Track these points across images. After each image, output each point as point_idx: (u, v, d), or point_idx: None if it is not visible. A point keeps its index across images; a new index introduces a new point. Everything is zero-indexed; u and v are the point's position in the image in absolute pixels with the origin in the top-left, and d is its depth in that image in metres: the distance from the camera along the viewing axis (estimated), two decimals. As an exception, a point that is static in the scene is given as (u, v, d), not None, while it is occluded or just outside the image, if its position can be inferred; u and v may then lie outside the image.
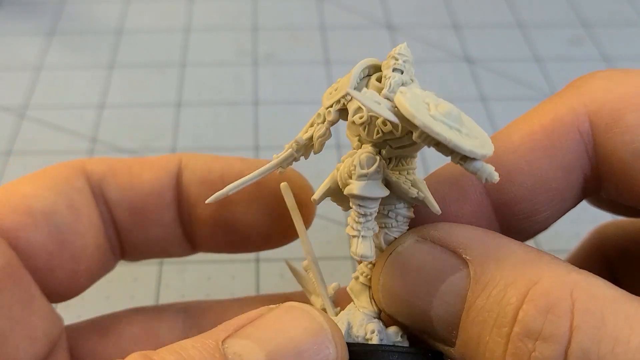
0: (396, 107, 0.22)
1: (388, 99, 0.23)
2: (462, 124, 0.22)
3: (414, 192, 0.25)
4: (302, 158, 0.27)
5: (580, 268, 0.33)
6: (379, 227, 0.26)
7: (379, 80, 0.25)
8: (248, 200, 0.29)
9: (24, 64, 0.61)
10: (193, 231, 0.30)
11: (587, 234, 0.36)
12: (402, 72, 0.24)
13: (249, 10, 0.67)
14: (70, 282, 0.28)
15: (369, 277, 0.26)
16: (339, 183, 0.25)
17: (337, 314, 0.27)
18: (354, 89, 0.24)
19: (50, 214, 0.27)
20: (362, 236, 0.25)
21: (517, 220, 0.26)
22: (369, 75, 0.25)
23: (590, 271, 0.33)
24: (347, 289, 0.27)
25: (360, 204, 0.24)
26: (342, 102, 0.25)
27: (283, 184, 0.27)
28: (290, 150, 0.26)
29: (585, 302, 0.20)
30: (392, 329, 0.26)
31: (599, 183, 0.26)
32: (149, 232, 0.30)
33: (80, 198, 0.28)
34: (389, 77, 0.24)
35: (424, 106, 0.22)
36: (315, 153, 0.26)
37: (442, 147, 0.22)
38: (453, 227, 0.24)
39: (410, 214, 0.25)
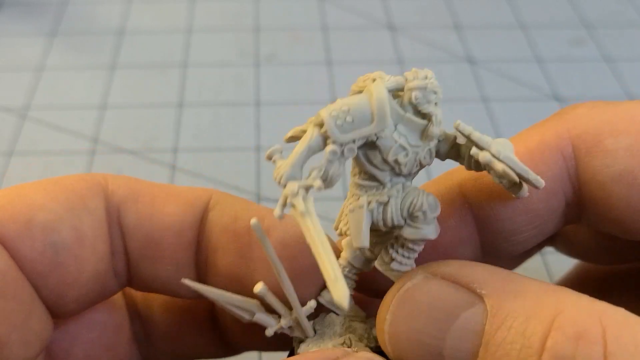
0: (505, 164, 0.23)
1: (437, 135, 0.24)
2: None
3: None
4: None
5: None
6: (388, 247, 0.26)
7: (402, 107, 0.24)
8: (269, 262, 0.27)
9: (25, 65, 0.61)
10: (206, 277, 0.28)
11: (572, 266, 0.36)
12: (436, 104, 0.23)
13: (251, 11, 0.67)
14: (57, 304, 0.26)
15: (350, 286, 0.26)
16: (384, 224, 0.24)
17: (314, 330, 0.27)
18: (390, 121, 0.23)
19: (50, 230, 0.25)
20: (412, 267, 0.25)
21: (497, 239, 0.27)
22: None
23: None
24: (323, 301, 0.27)
25: (420, 243, 0.25)
26: (370, 138, 0.23)
27: (253, 221, 0.23)
28: (311, 198, 0.22)
29: (615, 328, 0.20)
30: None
31: (579, 210, 0.27)
32: (159, 268, 0.28)
33: (90, 221, 0.26)
34: (436, 115, 0.23)
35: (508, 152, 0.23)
36: (327, 188, 0.24)
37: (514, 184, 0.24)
38: (464, 264, 0.24)
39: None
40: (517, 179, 0.23)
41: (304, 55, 0.62)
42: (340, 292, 0.20)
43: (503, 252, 0.28)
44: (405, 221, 0.24)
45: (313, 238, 0.21)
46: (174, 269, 0.28)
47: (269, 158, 0.23)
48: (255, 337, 0.29)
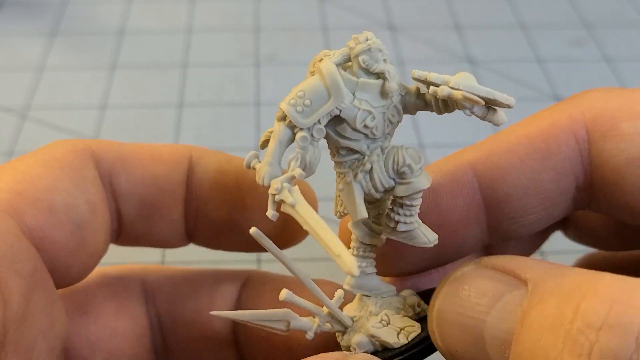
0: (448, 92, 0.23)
1: (396, 89, 0.24)
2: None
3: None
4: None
5: None
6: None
7: (353, 74, 0.25)
8: (264, 207, 0.27)
9: (25, 65, 0.61)
10: (197, 228, 0.30)
11: (575, 261, 0.36)
12: (385, 61, 0.24)
13: (251, 11, 0.67)
14: (80, 275, 0.27)
15: (371, 264, 0.26)
16: (374, 190, 0.25)
17: (352, 319, 0.27)
18: (346, 91, 0.24)
19: (71, 210, 0.26)
20: (421, 225, 0.25)
21: (505, 220, 0.27)
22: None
23: None
24: (352, 287, 0.27)
25: (416, 197, 0.25)
26: (334, 113, 0.24)
27: (252, 230, 0.23)
28: (295, 187, 0.23)
29: None
30: (408, 292, 0.27)
31: (590, 195, 0.27)
32: (153, 226, 0.29)
33: (96, 191, 0.27)
34: (388, 71, 0.24)
35: (465, 79, 0.24)
36: (309, 176, 0.24)
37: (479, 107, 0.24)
38: (513, 257, 0.24)
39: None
40: (481, 102, 0.23)
41: (304, 55, 0.62)
42: (347, 264, 0.21)
43: (511, 234, 0.27)
44: (394, 181, 0.25)
45: (308, 223, 0.22)
46: (166, 225, 0.29)
47: (248, 167, 0.24)
48: (222, 237, 0.30)
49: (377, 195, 0.25)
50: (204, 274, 0.32)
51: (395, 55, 0.62)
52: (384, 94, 0.24)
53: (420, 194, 0.25)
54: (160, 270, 0.32)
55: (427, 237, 0.25)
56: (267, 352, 0.30)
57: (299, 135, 0.23)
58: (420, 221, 0.25)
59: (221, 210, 0.29)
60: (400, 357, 0.25)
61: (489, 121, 0.24)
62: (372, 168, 0.24)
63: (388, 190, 0.25)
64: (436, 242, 0.25)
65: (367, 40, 0.24)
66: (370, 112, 0.24)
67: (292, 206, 0.22)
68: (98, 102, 0.57)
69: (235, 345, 0.31)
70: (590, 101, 0.26)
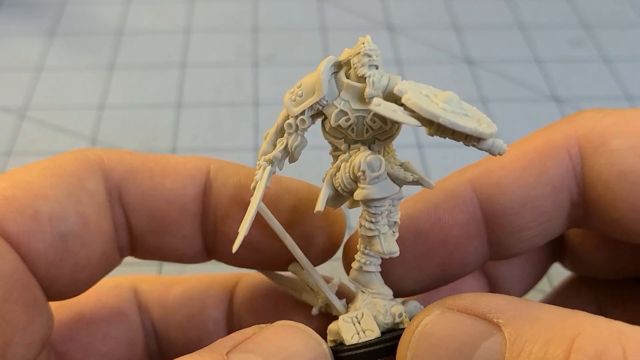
0: (411, 110, 0.22)
1: (374, 97, 0.24)
2: (462, 106, 0.23)
3: (409, 176, 0.25)
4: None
5: (570, 297, 0.34)
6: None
7: (348, 76, 0.25)
8: (284, 225, 0.28)
9: (24, 65, 0.61)
10: (216, 245, 0.29)
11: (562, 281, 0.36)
12: (377, 67, 0.24)
13: (250, 11, 0.67)
14: (70, 288, 0.27)
15: (371, 262, 0.27)
16: (341, 188, 0.25)
17: (346, 308, 0.28)
18: (327, 91, 0.25)
19: (57, 220, 0.25)
20: (382, 234, 0.25)
21: (504, 234, 0.27)
22: (335, 73, 0.25)
23: (580, 302, 0.34)
24: (350, 279, 0.27)
25: (376, 205, 0.25)
26: (316, 107, 0.25)
27: (261, 206, 0.26)
28: (269, 167, 0.26)
29: (635, 346, 0.20)
30: (412, 303, 0.27)
31: (584, 211, 0.27)
32: (165, 241, 0.28)
33: (92, 204, 0.26)
34: (369, 76, 0.24)
35: (430, 101, 0.23)
36: (292, 162, 0.26)
37: (458, 134, 0.23)
38: (479, 295, 0.24)
39: (401, 195, 0.26)
40: (410, 121, 0.23)
41: (303, 55, 0.62)
42: (235, 243, 0.25)
43: (510, 250, 0.28)
44: (355, 184, 0.25)
45: (251, 201, 0.25)
46: (179, 240, 0.28)
47: (264, 138, 0.26)
48: (241, 254, 0.29)
49: (345, 194, 0.26)
50: (196, 279, 0.32)
51: (394, 56, 0.62)
52: (363, 99, 0.24)
53: (381, 202, 0.25)
54: (153, 279, 0.32)
55: (383, 247, 0.25)
56: None
57: (286, 122, 0.25)
58: (384, 231, 0.25)
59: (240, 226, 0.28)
60: (340, 354, 0.26)
61: (481, 149, 0.24)
62: (340, 168, 0.25)
63: (352, 193, 0.25)
64: (393, 255, 0.25)
65: (362, 44, 0.25)
66: (346, 114, 0.24)
67: (257, 182, 0.25)
68: (97, 102, 0.57)
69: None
70: (583, 120, 0.27)
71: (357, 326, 0.26)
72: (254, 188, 0.26)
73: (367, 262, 0.27)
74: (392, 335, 0.25)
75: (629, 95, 0.58)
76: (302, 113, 0.25)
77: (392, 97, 0.24)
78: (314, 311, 0.28)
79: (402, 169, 0.25)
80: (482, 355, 0.22)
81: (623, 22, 0.67)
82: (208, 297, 0.31)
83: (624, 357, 0.19)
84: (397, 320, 0.26)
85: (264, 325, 0.24)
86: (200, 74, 0.60)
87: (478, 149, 0.23)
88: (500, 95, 0.58)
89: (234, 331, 0.30)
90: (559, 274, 0.44)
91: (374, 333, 0.26)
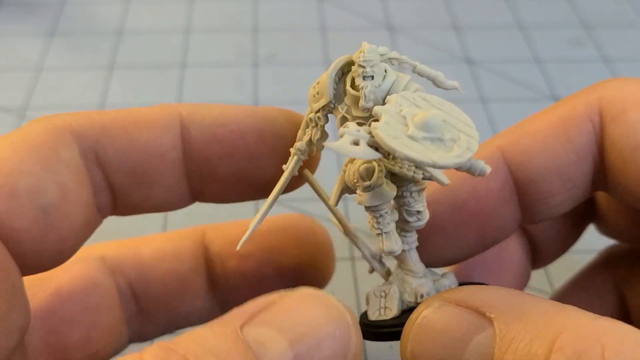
0: (375, 139, 0.22)
1: (365, 108, 0.24)
2: (444, 127, 0.23)
3: (419, 175, 0.25)
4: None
5: (589, 287, 0.35)
6: (399, 205, 0.26)
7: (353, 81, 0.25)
8: (269, 155, 0.29)
9: (24, 65, 0.60)
10: (204, 188, 0.29)
11: (597, 253, 0.37)
12: (372, 78, 0.25)
13: (250, 11, 0.67)
14: (54, 259, 0.26)
15: (404, 241, 0.27)
16: (352, 188, 0.26)
17: (387, 273, 0.28)
18: (333, 94, 0.25)
19: (37, 194, 0.24)
20: (384, 233, 0.26)
21: (534, 200, 0.28)
22: (346, 72, 0.26)
23: (598, 291, 0.34)
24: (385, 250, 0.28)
25: (373, 209, 0.25)
26: (327, 109, 0.26)
27: (306, 171, 0.27)
28: (296, 157, 0.27)
29: (615, 347, 0.20)
30: (448, 277, 0.27)
31: (604, 179, 0.28)
32: (149, 192, 0.28)
33: (68, 172, 0.26)
34: (362, 88, 0.24)
35: (401, 127, 0.22)
36: (313, 154, 0.27)
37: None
38: (475, 288, 0.24)
39: (422, 185, 0.26)
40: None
41: (303, 55, 0.62)
42: (241, 239, 0.26)
43: (540, 215, 0.29)
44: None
45: (275, 188, 0.27)
46: (164, 190, 0.28)
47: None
48: (229, 189, 0.30)
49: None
50: (163, 237, 0.33)
51: (394, 56, 0.62)
52: (359, 108, 0.25)
53: (377, 207, 0.25)
54: (116, 244, 0.33)
55: (384, 245, 0.26)
56: (246, 293, 0.30)
57: (308, 115, 0.27)
58: (387, 230, 0.26)
59: (227, 164, 0.28)
60: (362, 327, 0.27)
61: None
62: (347, 168, 0.26)
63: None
64: (392, 253, 0.26)
65: (361, 52, 0.25)
66: (345, 119, 0.25)
67: (284, 169, 0.27)
68: (96, 102, 0.57)
69: (213, 291, 0.33)
70: (605, 89, 0.28)
71: (381, 301, 0.27)
72: (308, 174, 0.27)
73: (403, 241, 0.27)
74: (403, 321, 0.26)
75: (629, 95, 0.58)
76: (319, 111, 0.26)
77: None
78: (369, 271, 0.29)
79: (413, 167, 0.25)
80: (473, 349, 0.22)
81: (623, 22, 0.67)
82: (182, 249, 0.32)
83: (602, 357, 0.20)
84: (419, 300, 0.27)
85: (283, 292, 0.23)
86: (200, 74, 0.60)
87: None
88: (500, 95, 0.58)
89: (218, 278, 0.32)
90: (559, 274, 0.44)
91: (392, 312, 0.27)
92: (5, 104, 0.56)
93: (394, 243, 0.26)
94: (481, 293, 0.24)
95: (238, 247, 0.25)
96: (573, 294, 0.36)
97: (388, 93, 0.25)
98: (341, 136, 0.22)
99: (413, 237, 0.27)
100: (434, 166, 0.22)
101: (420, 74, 0.25)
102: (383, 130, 0.22)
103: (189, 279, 0.32)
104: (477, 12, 0.68)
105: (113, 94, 0.58)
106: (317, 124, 0.26)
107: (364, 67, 0.25)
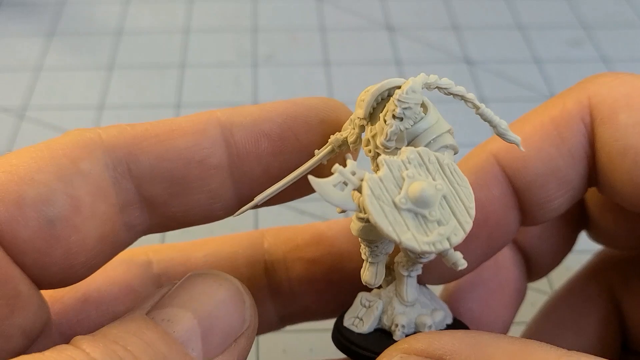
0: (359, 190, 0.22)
1: (384, 146, 0.23)
2: (438, 205, 0.22)
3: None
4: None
5: (583, 292, 0.35)
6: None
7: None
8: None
9: (23, 65, 0.61)
10: (252, 189, 0.28)
11: (590, 256, 0.36)
12: (401, 120, 0.23)
13: (249, 11, 0.67)
14: (66, 274, 0.26)
15: (404, 266, 0.27)
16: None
17: (387, 283, 0.28)
18: (369, 112, 0.24)
19: (43, 204, 0.24)
20: (369, 262, 0.26)
21: (533, 207, 0.28)
22: (388, 96, 0.24)
23: (592, 296, 0.34)
24: (396, 260, 0.27)
25: (365, 240, 0.25)
26: (363, 122, 0.25)
27: (310, 177, 0.25)
28: (331, 146, 0.26)
29: None
30: (440, 314, 0.27)
31: (597, 176, 0.28)
32: (190, 200, 0.27)
33: (85, 184, 0.25)
34: (388, 125, 0.23)
35: (393, 188, 0.21)
36: (346, 152, 0.26)
37: None
38: (434, 335, 0.24)
39: None
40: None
41: (302, 55, 0.62)
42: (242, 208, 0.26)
43: (540, 219, 0.28)
44: None
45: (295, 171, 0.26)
46: (206, 196, 0.27)
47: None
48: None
49: None
50: (217, 241, 0.32)
51: (393, 56, 0.62)
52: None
53: (369, 241, 0.25)
54: (167, 248, 0.32)
55: (362, 274, 0.26)
56: (312, 301, 0.31)
57: (351, 116, 0.25)
58: (372, 261, 0.26)
59: (279, 159, 0.27)
60: (333, 328, 0.27)
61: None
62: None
63: None
64: (367, 285, 0.26)
65: (400, 87, 0.23)
66: (368, 142, 0.24)
67: (315, 154, 0.26)
68: (96, 102, 0.57)
69: (273, 300, 0.32)
70: (597, 86, 0.27)
71: (361, 311, 0.27)
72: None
73: (402, 264, 0.27)
74: (366, 345, 0.26)
75: (628, 96, 0.58)
76: (358, 118, 0.25)
77: (418, 142, 0.23)
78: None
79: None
80: None
81: (622, 22, 0.67)
82: (237, 256, 0.31)
83: None
84: (393, 328, 0.26)
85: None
86: (200, 74, 0.60)
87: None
88: (499, 95, 0.58)
89: (281, 285, 0.31)
90: (559, 274, 0.44)
91: (362, 327, 0.26)
92: (5, 103, 0.56)
93: (374, 276, 0.26)
94: (442, 340, 0.23)
95: (235, 215, 0.25)
96: (567, 299, 0.35)
97: (418, 135, 0.23)
98: (333, 172, 0.21)
99: (416, 267, 0.27)
100: (399, 245, 0.21)
101: (482, 117, 0.24)
102: (371, 186, 0.21)
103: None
104: (476, 13, 0.68)
105: (112, 93, 0.58)
106: (355, 127, 0.25)
107: (396, 105, 0.23)
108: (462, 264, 0.22)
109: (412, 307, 0.27)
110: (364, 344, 0.26)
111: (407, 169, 0.22)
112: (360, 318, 0.27)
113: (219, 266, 0.31)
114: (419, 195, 0.21)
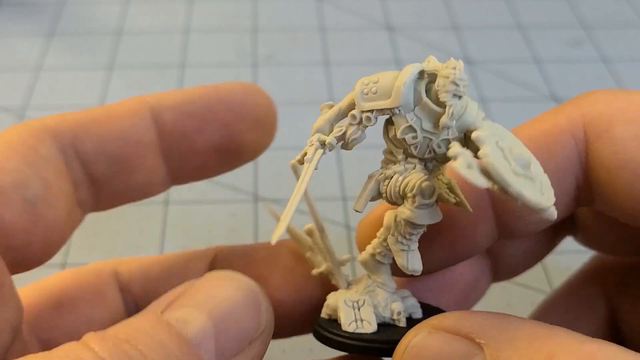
0: (485, 169, 0.21)
1: (448, 127, 0.23)
2: (530, 165, 0.23)
3: (452, 199, 0.25)
4: None
5: (579, 296, 0.34)
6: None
7: (428, 92, 0.24)
8: (238, 122, 0.30)
9: (23, 65, 0.61)
10: (181, 164, 0.30)
11: (587, 259, 0.36)
12: (460, 98, 0.23)
13: (249, 11, 0.67)
14: (44, 252, 0.27)
15: (385, 255, 0.27)
16: (386, 195, 0.25)
17: (348, 283, 0.28)
18: (404, 102, 0.24)
19: (22, 188, 0.26)
20: (410, 250, 0.26)
21: (511, 218, 0.27)
22: (417, 81, 0.24)
23: (588, 300, 0.34)
24: (360, 260, 0.28)
25: (414, 226, 0.25)
26: (386, 112, 0.24)
27: (292, 162, 0.26)
28: (321, 150, 0.25)
29: None
30: (411, 301, 0.27)
31: (589, 194, 0.27)
32: (130, 178, 0.30)
33: (48, 166, 0.27)
34: (451, 106, 0.23)
35: (503, 160, 0.22)
36: (344, 149, 0.26)
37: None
38: (464, 314, 0.24)
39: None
40: (480, 182, 0.22)
41: (302, 55, 0.62)
42: (276, 231, 0.23)
43: (518, 232, 0.28)
44: (402, 200, 0.25)
45: (298, 183, 0.24)
46: (144, 174, 0.30)
47: (321, 109, 0.26)
48: (210, 162, 0.31)
49: (385, 199, 0.25)
50: (174, 256, 0.33)
51: (393, 56, 0.62)
52: (436, 124, 0.24)
53: (419, 227, 0.25)
54: (132, 261, 0.33)
55: (408, 263, 0.26)
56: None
57: (352, 112, 0.25)
58: (413, 248, 0.26)
59: (202, 136, 0.30)
60: (333, 335, 0.26)
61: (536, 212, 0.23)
62: (392, 177, 0.25)
63: (397, 204, 0.25)
64: (415, 272, 0.26)
65: (454, 68, 0.23)
66: (414, 131, 0.24)
67: (306, 161, 0.25)
68: (96, 102, 0.57)
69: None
70: (590, 103, 0.27)
71: (356, 313, 0.27)
72: (295, 166, 0.26)
73: (382, 254, 0.27)
74: (386, 339, 0.26)
75: (628, 95, 0.58)
76: (370, 112, 0.24)
77: (463, 127, 0.23)
78: (315, 272, 0.29)
79: (447, 190, 0.25)
80: None
81: (622, 22, 0.67)
82: (188, 272, 0.32)
83: None
84: (395, 317, 0.27)
85: (194, 280, 0.25)
86: (200, 74, 0.60)
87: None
88: (499, 95, 0.58)
89: None
90: (558, 273, 0.44)
91: (370, 327, 0.26)
92: (5, 103, 0.56)
93: (419, 262, 0.26)
94: (470, 319, 0.23)
95: (273, 242, 0.24)
96: (564, 302, 0.35)
97: (462, 116, 0.24)
98: (455, 158, 0.21)
99: (390, 255, 0.27)
100: (536, 206, 0.21)
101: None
102: (496, 162, 0.21)
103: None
104: (476, 13, 0.68)
105: (112, 94, 0.58)
106: (360, 122, 0.24)
107: (457, 85, 0.23)
108: (555, 216, 0.23)
109: (396, 294, 0.27)
110: (384, 338, 0.26)
111: (497, 141, 0.22)
112: (361, 319, 0.26)
113: (170, 281, 0.32)
114: (521, 155, 0.22)
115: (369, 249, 0.27)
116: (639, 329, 0.32)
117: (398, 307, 0.27)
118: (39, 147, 0.27)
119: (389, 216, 0.26)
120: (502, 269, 0.33)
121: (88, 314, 0.31)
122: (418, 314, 0.27)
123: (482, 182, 0.21)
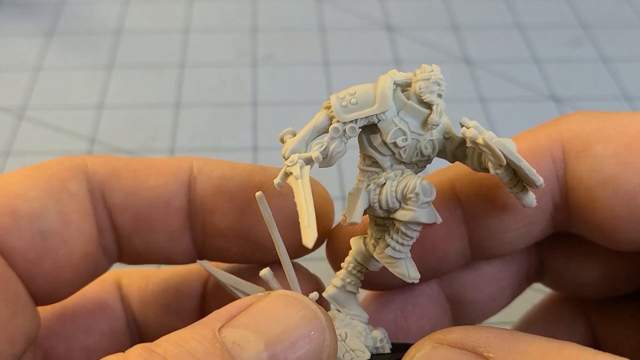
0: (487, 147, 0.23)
1: (437, 124, 0.25)
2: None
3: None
4: None
5: (558, 315, 0.34)
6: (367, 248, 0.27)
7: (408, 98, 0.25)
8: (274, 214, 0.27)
9: (22, 65, 0.60)
10: (205, 240, 0.29)
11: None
12: (440, 97, 0.25)
13: (248, 11, 0.67)
14: (52, 289, 0.27)
15: (355, 283, 0.27)
16: (379, 204, 0.25)
17: None
18: (391, 106, 0.25)
19: (36, 218, 0.26)
20: (408, 257, 0.26)
21: (485, 236, 0.27)
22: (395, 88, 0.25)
23: (568, 319, 0.33)
24: (328, 296, 0.27)
25: (414, 229, 0.25)
26: (371, 120, 0.25)
27: (258, 193, 0.24)
28: (308, 167, 0.24)
29: None
30: (380, 330, 0.27)
31: (568, 215, 0.27)
32: (151, 238, 0.29)
33: (73, 203, 0.27)
34: (437, 104, 0.24)
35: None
36: (325, 167, 0.25)
37: (511, 180, 0.24)
38: (469, 329, 0.24)
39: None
40: (503, 160, 0.23)
41: (301, 55, 0.62)
42: (309, 236, 0.22)
43: (492, 251, 0.28)
44: (400, 204, 0.25)
45: (299, 194, 0.23)
46: (166, 237, 0.29)
47: (281, 139, 0.25)
48: (233, 247, 0.30)
49: (380, 212, 0.25)
50: (173, 270, 0.33)
51: (393, 56, 0.62)
52: (425, 124, 0.25)
53: (418, 227, 0.25)
54: (134, 272, 0.33)
55: (409, 272, 0.26)
56: None
57: (333, 125, 0.25)
58: (410, 255, 0.26)
59: (228, 217, 0.28)
60: None
61: (518, 198, 0.25)
62: (384, 184, 0.25)
63: (390, 211, 0.25)
64: (416, 280, 0.26)
65: (431, 71, 0.24)
66: (404, 133, 0.25)
67: (295, 178, 0.24)
68: (95, 102, 0.57)
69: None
70: (569, 123, 0.27)
71: (344, 345, 0.26)
72: (279, 185, 0.24)
73: (352, 283, 0.27)
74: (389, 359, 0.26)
75: (628, 95, 0.58)
76: (354, 121, 0.24)
77: (443, 128, 0.25)
78: None
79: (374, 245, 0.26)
80: None
81: (621, 22, 0.67)
82: (183, 286, 0.32)
83: None
84: (378, 345, 0.27)
85: (262, 294, 0.24)
86: (199, 74, 0.60)
87: (518, 199, 0.24)
88: (498, 95, 0.58)
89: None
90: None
91: (365, 355, 0.26)
92: (4, 103, 0.56)
93: (416, 269, 0.26)
94: (476, 333, 0.23)
95: (310, 245, 0.22)
96: (542, 319, 0.35)
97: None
98: (476, 134, 0.23)
99: (359, 282, 0.27)
100: (536, 179, 0.23)
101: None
102: (502, 139, 0.23)
103: (182, 316, 0.32)
104: (476, 12, 0.68)
105: (112, 93, 0.58)
106: (343, 135, 0.25)
107: (439, 84, 0.24)
108: (535, 203, 0.24)
109: (367, 324, 0.27)
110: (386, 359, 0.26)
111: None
112: (352, 350, 0.26)
113: (165, 295, 0.32)
114: (508, 144, 0.24)
115: (336, 282, 0.27)
116: (618, 350, 0.32)
117: (380, 334, 0.27)
118: (69, 182, 0.27)
119: (356, 242, 0.27)
120: (464, 315, 0.32)
121: (89, 324, 0.30)
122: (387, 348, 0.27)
123: (498, 153, 0.22)
